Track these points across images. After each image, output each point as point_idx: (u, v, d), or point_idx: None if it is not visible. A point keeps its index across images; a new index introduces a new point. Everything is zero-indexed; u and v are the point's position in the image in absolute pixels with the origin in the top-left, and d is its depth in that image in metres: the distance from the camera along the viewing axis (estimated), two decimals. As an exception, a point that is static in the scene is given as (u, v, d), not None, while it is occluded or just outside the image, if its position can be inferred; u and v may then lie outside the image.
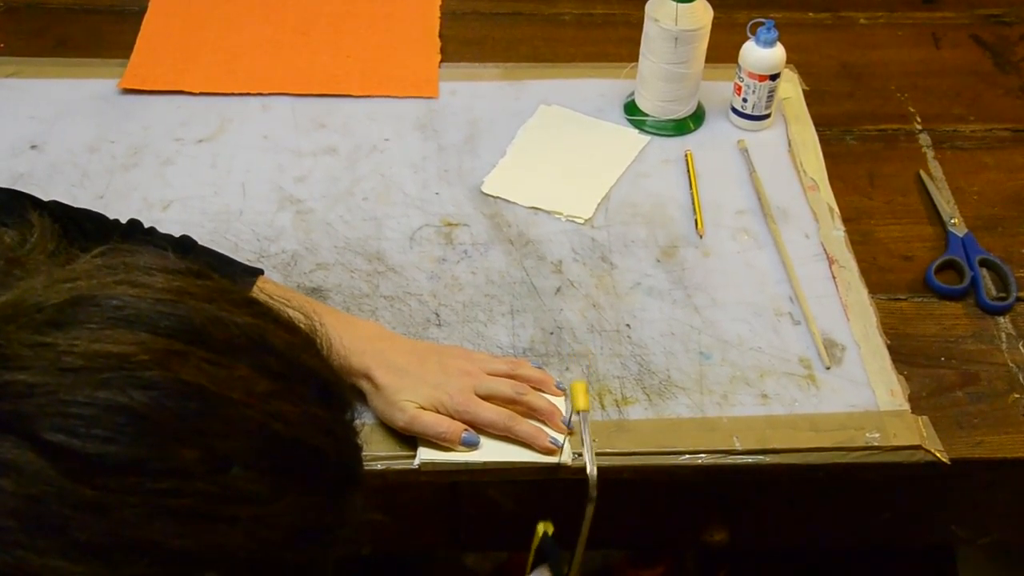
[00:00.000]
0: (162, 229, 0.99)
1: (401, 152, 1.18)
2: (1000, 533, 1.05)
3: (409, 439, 0.91)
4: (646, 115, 1.22)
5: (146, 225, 0.98)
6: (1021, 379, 0.99)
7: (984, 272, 1.08)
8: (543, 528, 0.91)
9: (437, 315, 1.01)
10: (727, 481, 0.95)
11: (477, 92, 1.26)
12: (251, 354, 0.48)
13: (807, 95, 1.27)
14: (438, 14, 1.37)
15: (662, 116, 1.21)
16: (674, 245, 1.09)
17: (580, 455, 0.90)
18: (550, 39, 1.35)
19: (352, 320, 0.96)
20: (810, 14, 1.41)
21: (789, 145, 1.21)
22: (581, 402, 0.91)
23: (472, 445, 0.89)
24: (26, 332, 0.44)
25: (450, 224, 1.11)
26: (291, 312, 0.53)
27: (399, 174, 1.16)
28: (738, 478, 0.94)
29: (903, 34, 1.39)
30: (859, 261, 1.08)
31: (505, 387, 0.91)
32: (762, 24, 1.16)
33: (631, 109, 1.23)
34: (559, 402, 0.93)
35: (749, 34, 1.17)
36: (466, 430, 0.89)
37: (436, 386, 0.90)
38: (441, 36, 1.34)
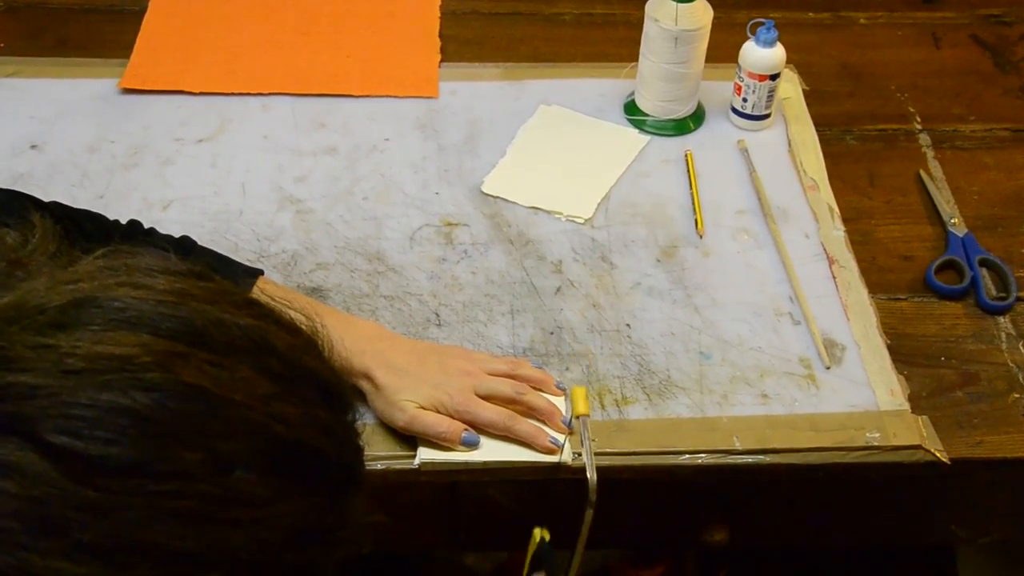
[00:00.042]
0: (162, 229, 0.99)
1: (401, 152, 1.18)
2: (1000, 533, 1.05)
3: (409, 439, 0.91)
4: (646, 115, 1.22)
5: (146, 225, 0.98)
6: (1021, 379, 0.99)
7: (984, 272, 1.08)
8: (540, 534, 0.90)
9: (437, 315, 1.01)
10: (727, 481, 0.95)
11: (477, 92, 1.26)
12: (253, 356, 0.48)
13: (807, 95, 1.27)
14: (438, 14, 1.37)
15: (662, 116, 1.21)
16: (674, 245, 1.09)
17: (580, 455, 0.90)
18: (550, 39, 1.35)
19: (352, 320, 0.96)
20: (810, 14, 1.41)
21: (789, 145, 1.21)
22: (581, 407, 0.91)
23: (472, 445, 0.89)
24: (28, 334, 0.44)
25: (450, 224, 1.11)
26: (293, 314, 0.53)
27: (399, 174, 1.16)
28: (738, 478, 0.94)
29: (903, 34, 1.39)
30: (859, 261, 1.08)
31: (505, 387, 0.91)
32: (762, 24, 1.16)
33: (631, 109, 1.24)
34: (559, 402, 0.93)
35: (749, 34, 1.17)
36: (466, 430, 0.89)
37: (436, 386, 0.90)
38: (441, 36, 1.34)
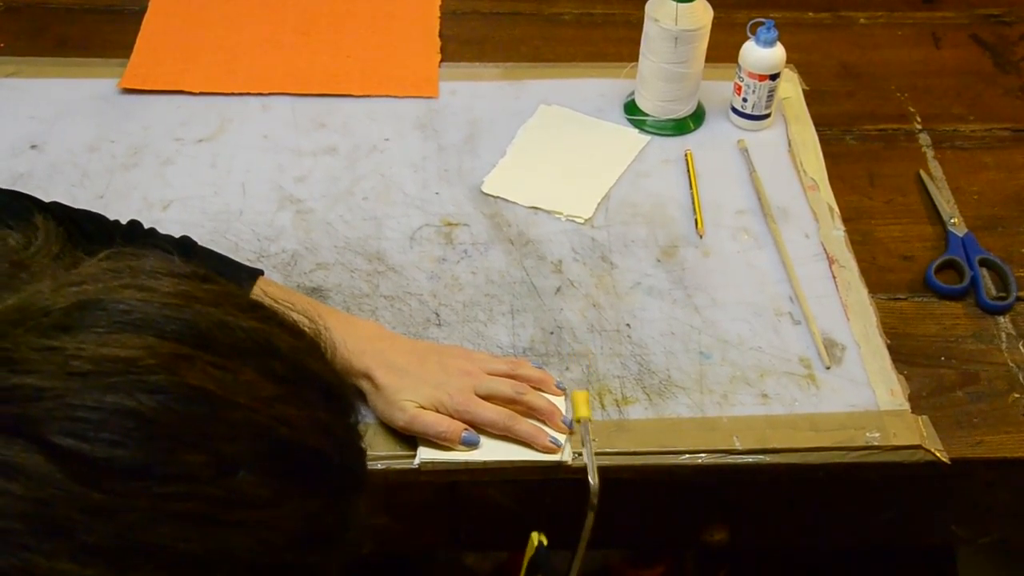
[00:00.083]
0: (162, 229, 0.99)
1: (401, 152, 1.18)
2: (1000, 533, 1.05)
3: (409, 439, 0.91)
4: (646, 115, 1.22)
5: (146, 225, 0.98)
6: (1021, 379, 0.99)
7: (984, 272, 1.08)
8: (537, 538, 0.90)
9: (437, 315, 1.01)
10: (727, 481, 0.95)
11: (477, 92, 1.26)
12: (257, 358, 0.48)
13: (807, 95, 1.27)
14: (438, 14, 1.37)
15: (662, 116, 1.21)
16: (674, 245, 1.09)
17: (581, 455, 0.90)
18: (550, 39, 1.35)
19: (352, 320, 0.96)
20: (810, 14, 1.41)
21: (789, 145, 1.21)
22: (583, 411, 0.91)
23: (472, 445, 0.89)
24: (33, 336, 0.44)
25: (450, 224, 1.11)
26: (296, 316, 0.53)
27: (399, 174, 1.16)
28: (738, 478, 0.94)
29: (903, 34, 1.39)
30: (859, 261, 1.08)
31: (505, 387, 0.91)
32: (762, 24, 1.16)
33: (631, 109, 1.24)
34: (559, 402, 0.93)
35: (749, 34, 1.17)
36: (466, 429, 0.89)
37: (436, 386, 0.90)
38: (441, 36, 1.34)
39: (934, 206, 1.16)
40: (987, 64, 1.35)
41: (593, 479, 0.88)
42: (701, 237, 1.10)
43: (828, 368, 0.99)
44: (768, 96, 1.19)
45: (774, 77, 1.18)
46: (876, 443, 0.93)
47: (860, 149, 1.23)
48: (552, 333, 1.01)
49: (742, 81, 1.19)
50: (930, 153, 1.22)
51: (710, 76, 1.22)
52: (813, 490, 0.99)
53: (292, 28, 1.34)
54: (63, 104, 1.22)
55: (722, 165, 1.19)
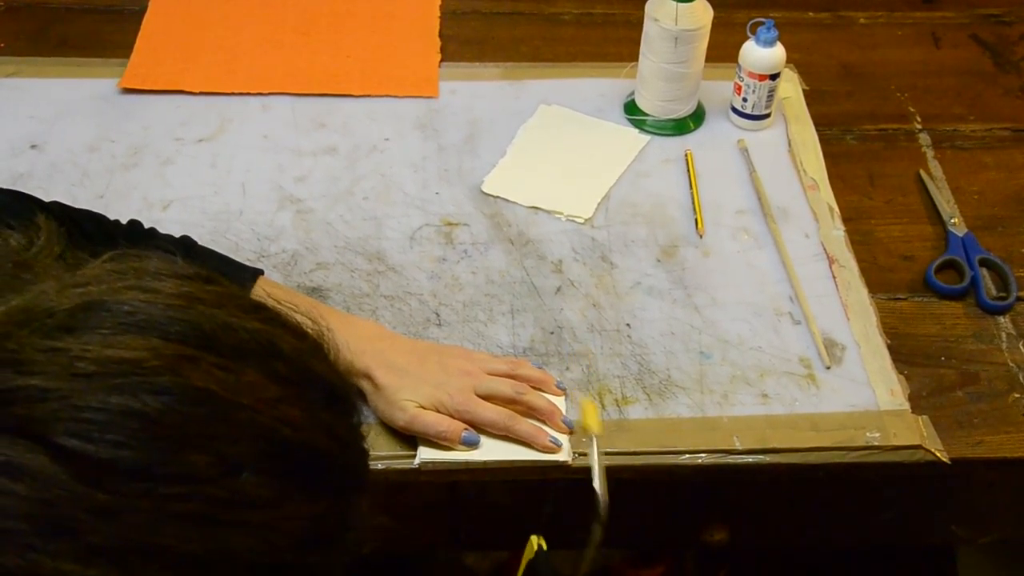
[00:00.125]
0: (162, 229, 0.99)
1: (401, 152, 1.18)
2: (1000, 533, 1.05)
3: (409, 439, 0.91)
4: (646, 115, 1.22)
5: (146, 225, 0.98)
6: (1021, 379, 0.99)
7: (984, 272, 1.08)
8: (536, 542, 0.90)
9: (437, 315, 1.01)
10: (727, 481, 0.95)
11: (477, 92, 1.26)
12: (260, 359, 0.48)
13: (807, 95, 1.27)
14: (438, 14, 1.37)
15: (662, 116, 1.21)
16: (674, 245, 1.09)
17: (579, 455, 0.90)
18: (550, 39, 1.35)
19: (352, 320, 0.96)
20: (810, 14, 1.41)
21: (789, 145, 1.21)
22: (593, 426, 0.89)
23: (472, 444, 0.89)
24: (38, 337, 0.44)
25: (450, 224, 1.11)
26: (299, 317, 0.53)
27: (399, 174, 1.16)
28: (738, 478, 0.94)
29: (903, 34, 1.39)
30: (859, 261, 1.08)
31: (505, 387, 0.91)
32: (762, 24, 1.16)
33: (631, 109, 1.24)
34: (559, 402, 0.93)
35: (749, 34, 1.17)
36: (466, 429, 0.89)
37: (436, 385, 0.90)
38: (441, 36, 1.34)
39: (934, 206, 1.16)
40: (987, 64, 1.35)
41: (603, 494, 0.87)
42: (701, 237, 1.10)
43: (828, 368, 0.99)
44: (768, 96, 1.19)
45: (774, 77, 1.18)
46: (876, 443, 0.93)
47: (860, 149, 1.23)
48: (552, 333, 1.01)
49: (742, 81, 1.19)
50: (930, 153, 1.22)
51: (710, 76, 1.22)
52: (813, 490, 0.99)
53: (292, 28, 1.34)
54: (63, 104, 1.22)
55: (722, 165, 1.19)
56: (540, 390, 0.93)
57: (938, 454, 0.93)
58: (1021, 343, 1.03)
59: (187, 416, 0.44)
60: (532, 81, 1.28)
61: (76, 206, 0.97)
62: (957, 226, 1.13)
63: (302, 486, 0.48)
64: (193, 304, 0.48)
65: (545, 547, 0.89)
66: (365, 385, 0.91)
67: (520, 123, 1.22)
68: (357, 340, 0.91)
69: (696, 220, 1.12)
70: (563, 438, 0.91)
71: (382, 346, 0.92)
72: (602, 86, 1.27)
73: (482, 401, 0.90)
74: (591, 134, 1.22)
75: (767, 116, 1.22)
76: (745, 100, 1.20)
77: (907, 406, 0.96)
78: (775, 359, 0.99)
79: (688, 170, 1.17)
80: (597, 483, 0.87)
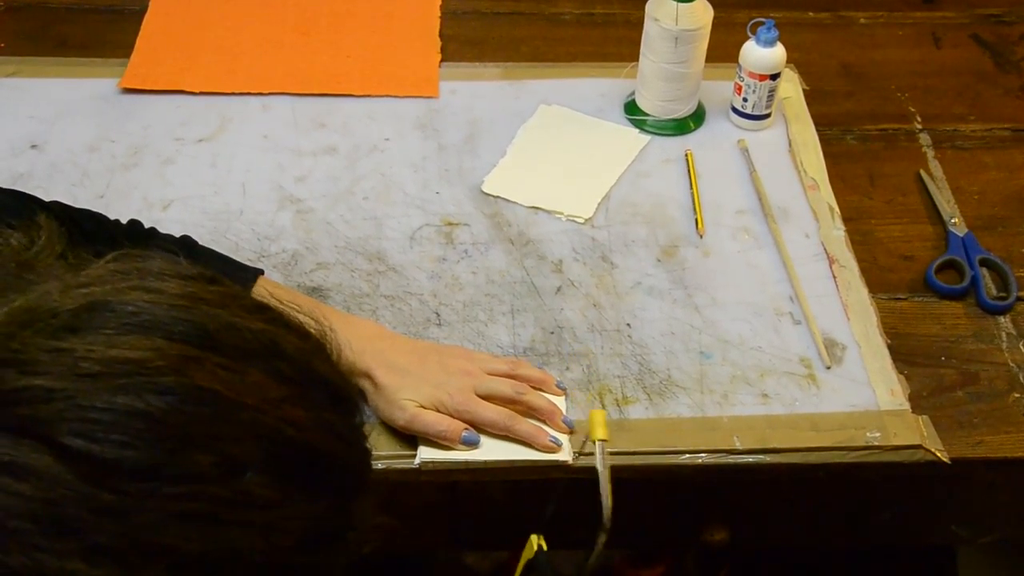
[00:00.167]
0: (162, 229, 0.99)
1: (401, 152, 1.18)
2: (1000, 533, 1.05)
3: (410, 438, 0.91)
4: (646, 115, 1.22)
5: (146, 225, 0.98)
6: (1021, 379, 0.99)
7: (984, 272, 1.08)
8: (536, 542, 0.90)
9: (437, 315, 1.01)
10: (727, 481, 0.95)
11: (477, 92, 1.26)
12: (264, 360, 0.48)
13: (807, 95, 1.27)
14: (438, 14, 1.37)
15: (662, 116, 1.21)
16: (674, 245, 1.09)
17: (580, 455, 0.90)
18: (550, 39, 1.35)
19: (353, 320, 0.96)
20: (810, 14, 1.41)
21: (789, 145, 1.21)
22: (599, 432, 0.89)
23: (472, 444, 0.89)
24: (42, 337, 0.45)
25: (450, 224, 1.11)
26: (302, 317, 0.54)
27: (399, 174, 1.16)
28: (738, 478, 0.94)
29: (903, 34, 1.39)
30: (859, 261, 1.08)
31: (505, 387, 0.91)
32: (762, 24, 1.16)
33: (631, 109, 1.24)
34: (560, 402, 0.93)
35: (749, 34, 1.17)
36: (466, 429, 0.89)
37: (436, 385, 0.90)
38: (441, 36, 1.34)
39: (934, 206, 1.16)
40: (987, 64, 1.35)
41: (607, 499, 0.86)
42: (701, 237, 1.10)
43: (828, 368, 0.99)
44: (768, 96, 1.19)
45: (774, 77, 1.18)
46: (876, 443, 0.93)
47: (860, 149, 1.23)
48: (552, 333, 1.01)
49: (742, 81, 1.19)
50: (930, 153, 1.22)
51: (710, 76, 1.22)
52: (813, 490, 0.99)
53: (292, 28, 1.33)
54: (63, 104, 1.22)
55: (722, 165, 1.19)
56: (540, 390, 0.93)
57: (938, 454, 0.93)
58: (1021, 343, 1.03)
59: (191, 416, 0.45)
60: (532, 81, 1.28)
61: (76, 206, 0.97)
62: (957, 226, 1.13)
63: (306, 486, 0.48)
64: (197, 304, 0.48)
65: (545, 547, 0.89)
66: (366, 385, 0.91)
67: (520, 123, 1.22)
68: (358, 340, 0.91)
69: (696, 220, 1.12)
70: (563, 438, 0.91)
71: (382, 346, 0.92)
72: (602, 86, 1.27)
73: (482, 401, 0.90)
74: (591, 134, 1.22)
75: (767, 116, 1.22)
76: (745, 100, 1.20)
77: (907, 406, 0.96)
78: (775, 359, 0.99)
79: (688, 170, 1.17)
80: (604, 491, 0.87)
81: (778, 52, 1.17)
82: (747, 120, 1.22)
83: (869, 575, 1.46)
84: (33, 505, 0.42)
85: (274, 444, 0.47)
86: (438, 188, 1.14)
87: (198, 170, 1.15)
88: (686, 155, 1.19)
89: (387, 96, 1.25)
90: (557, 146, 1.20)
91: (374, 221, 1.10)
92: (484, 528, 1.02)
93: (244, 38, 1.31)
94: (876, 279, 1.07)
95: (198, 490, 0.44)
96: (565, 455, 0.90)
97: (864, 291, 1.05)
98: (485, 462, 0.90)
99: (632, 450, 0.92)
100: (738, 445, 0.92)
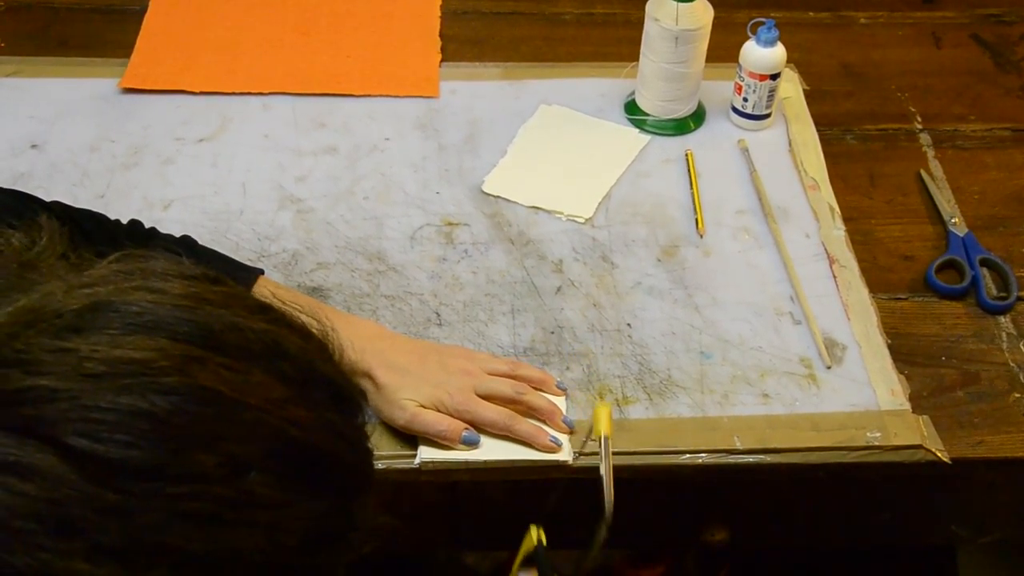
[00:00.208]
0: (163, 229, 0.99)
1: (401, 151, 1.18)
2: (1000, 533, 1.05)
3: (410, 438, 0.91)
4: (646, 115, 1.22)
5: (147, 225, 0.98)
6: (1022, 379, 0.99)
7: (985, 272, 1.08)
8: (536, 534, 0.90)
9: (438, 314, 1.01)
10: (727, 481, 0.95)
11: (477, 92, 1.26)
12: (267, 360, 0.49)
13: (807, 94, 1.27)
14: (438, 13, 1.37)
15: (662, 116, 1.21)
16: (675, 244, 1.09)
17: (580, 455, 0.90)
18: (551, 39, 1.35)
19: (353, 320, 0.96)
20: (810, 13, 1.41)
21: (790, 144, 1.21)
22: (604, 427, 0.88)
23: (472, 444, 0.89)
24: (46, 337, 0.45)
25: (451, 223, 1.11)
26: (304, 318, 0.54)
27: (399, 173, 1.16)
28: (739, 478, 0.94)
29: (903, 34, 1.39)
30: (860, 261, 1.09)
31: (505, 387, 0.91)
32: (762, 24, 1.16)
33: (631, 109, 1.24)
34: (560, 402, 0.93)
35: (749, 33, 1.17)
36: (466, 429, 0.89)
37: (437, 385, 0.90)
38: (441, 35, 1.34)
39: (935, 206, 1.16)
40: (987, 64, 1.35)
41: (609, 494, 0.86)
42: (702, 237, 1.10)
43: (829, 368, 0.99)
44: (768, 96, 1.19)
45: (774, 77, 1.18)
46: (877, 443, 0.93)
47: (860, 149, 1.23)
48: (553, 333, 1.01)
49: (742, 81, 1.19)
50: (930, 153, 1.22)
51: (710, 76, 1.22)
52: (813, 490, 0.99)
53: (292, 28, 1.34)
54: (63, 104, 1.22)
55: (722, 165, 1.19)
56: (540, 390, 0.93)
57: (939, 454, 0.93)
58: (1022, 343, 1.03)
59: (195, 416, 0.45)
60: (532, 81, 1.28)
61: (76, 206, 0.97)
62: (957, 226, 1.13)
63: (309, 486, 0.48)
64: (201, 305, 0.48)
65: (544, 540, 0.88)
66: (366, 384, 0.90)
67: (520, 123, 1.22)
68: (359, 340, 0.91)
69: (696, 220, 1.12)
70: (563, 438, 0.91)
71: (383, 345, 0.92)
72: (602, 86, 1.27)
73: (482, 401, 0.90)
74: (591, 134, 1.22)
75: (767, 116, 1.22)
76: (746, 100, 1.20)
77: (908, 406, 0.96)
78: (776, 359, 0.99)
79: (688, 170, 1.17)
80: (607, 487, 0.86)
81: (778, 52, 1.17)
82: (747, 120, 1.22)
83: (869, 575, 1.46)
84: (37, 505, 0.42)
85: (277, 444, 0.47)
86: (438, 188, 1.14)
87: (198, 170, 1.15)
88: (686, 155, 1.19)
89: (387, 96, 1.25)
90: (557, 146, 1.20)
91: (374, 221, 1.10)
92: (484, 528, 1.02)
93: (244, 38, 1.31)
94: (876, 279, 1.07)
95: (202, 490, 0.44)
96: (565, 455, 0.90)
97: (864, 291, 1.05)
98: (485, 462, 0.90)
99: (632, 450, 0.92)
100: (738, 445, 0.92)
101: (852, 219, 1.13)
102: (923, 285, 1.07)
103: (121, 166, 1.15)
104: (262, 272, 0.95)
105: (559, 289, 1.05)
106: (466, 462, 0.89)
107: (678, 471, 0.93)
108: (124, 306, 0.46)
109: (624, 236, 1.10)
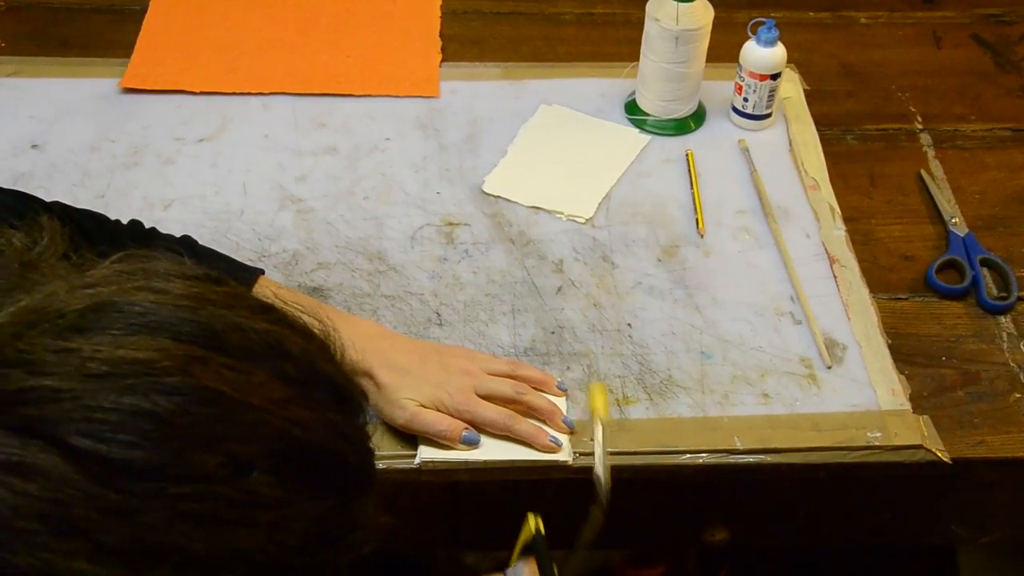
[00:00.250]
0: (163, 229, 0.99)
1: (402, 151, 1.18)
2: (1000, 533, 1.05)
3: (410, 438, 0.91)
4: (647, 115, 1.22)
5: (147, 225, 0.98)
6: (1022, 378, 0.99)
7: (985, 272, 1.08)
8: (534, 523, 0.89)
9: (438, 314, 1.01)
10: (728, 481, 0.95)
11: (478, 91, 1.26)
12: (269, 360, 0.49)
13: (808, 94, 1.27)
14: (438, 13, 1.37)
15: (663, 116, 1.21)
16: (675, 244, 1.09)
17: (580, 455, 0.90)
18: (551, 38, 1.35)
19: (353, 320, 0.96)
20: (811, 13, 1.41)
21: (790, 144, 1.21)
22: (600, 410, 0.88)
23: (472, 443, 0.89)
24: (49, 337, 0.45)
25: (451, 223, 1.11)
26: (306, 318, 0.54)
27: (400, 173, 1.16)
28: (739, 478, 0.94)
29: (903, 34, 1.39)
30: (860, 261, 1.08)
31: (505, 387, 0.91)
32: (763, 23, 1.16)
33: (632, 109, 1.24)
34: (560, 402, 0.93)
35: (750, 33, 1.17)
36: (466, 428, 0.89)
37: (437, 385, 0.90)
38: (442, 35, 1.34)
39: (935, 206, 1.16)
40: (988, 64, 1.35)
41: (604, 476, 0.86)
42: (702, 237, 1.10)
43: (829, 368, 0.99)
44: (769, 96, 1.19)
45: (775, 77, 1.18)
46: (877, 443, 0.93)
47: (861, 149, 1.23)
48: (553, 333, 1.01)
49: (743, 81, 1.19)
50: (931, 153, 1.22)
51: (711, 76, 1.22)
52: (814, 490, 0.99)
53: (292, 28, 1.33)
54: (64, 104, 1.22)
55: (723, 165, 1.19)
56: (541, 391, 0.93)
57: (939, 454, 0.93)
58: (1022, 343, 1.03)
59: (198, 416, 0.45)
60: (533, 81, 1.28)
61: (77, 206, 0.97)
62: (958, 226, 1.13)
63: (311, 486, 0.48)
64: (203, 305, 0.48)
65: (543, 528, 0.88)
66: (367, 384, 0.90)
67: (521, 123, 1.22)
68: (360, 340, 0.90)
69: (697, 220, 1.12)
70: (563, 438, 0.91)
71: (383, 345, 0.92)
72: (603, 86, 1.27)
73: (482, 401, 0.90)
74: (592, 134, 1.22)
75: (768, 116, 1.22)
76: (746, 100, 1.20)
77: (908, 406, 0.96)
78: (776, 359, 0.99)
79: (689, 170, 1.17)
80: (600, 467, 0.86)
81: (778, 52, 1.17)
82: (747, 120, 1.22)
83: (869, 575, 1.46)
84: (40, 505, 0.42)
85: (280, 444, 0.47)
86: (439, 188, 1.14)
87: (198, 170, 1.15)
88: (686, 155, 1.19)
89: (387, 96, 1.25)
90: (557, 146, 1.20)
91: (375, 221, 1.10)
92: (484, 528, 1.02)
93: (244, 38, 1.31)
94: (877, 279, 1.07)
95: (204, 490, 0.44)
96: (565, 455, 0.90)
97: (865, 291, 1.05)
98: (485, 462, 0.90)
99: (632, 450, 0.92)
100: (739, 445, 0.92)
101: (852, 219, 1.13)
102: (923, 285, 1.07)
103: (121, 166, 1.15)
104: (263, 272, 0.95)
105: (559, 289, 1.05)
106: (466, 462, 0.89)
107: (678, 471, 0.92)
108: (127, 306, 0.46)
109: (624, 236, 1.10)
